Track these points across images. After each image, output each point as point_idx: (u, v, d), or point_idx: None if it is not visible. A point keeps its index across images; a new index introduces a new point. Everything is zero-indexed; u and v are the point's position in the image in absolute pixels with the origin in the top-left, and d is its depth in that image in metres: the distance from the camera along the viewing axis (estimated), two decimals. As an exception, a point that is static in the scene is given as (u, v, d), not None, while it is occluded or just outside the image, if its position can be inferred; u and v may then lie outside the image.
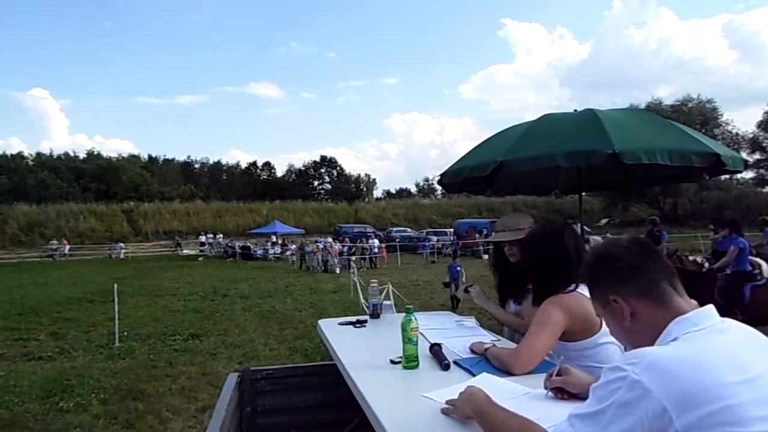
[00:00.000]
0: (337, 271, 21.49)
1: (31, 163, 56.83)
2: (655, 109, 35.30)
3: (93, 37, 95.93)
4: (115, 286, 9.23)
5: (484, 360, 1.83)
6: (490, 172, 3.51)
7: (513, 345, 2.01)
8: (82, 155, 60.20)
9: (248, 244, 32.77)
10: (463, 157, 4.14)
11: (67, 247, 34.99)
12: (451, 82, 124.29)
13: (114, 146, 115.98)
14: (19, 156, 59.40)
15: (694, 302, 1.09)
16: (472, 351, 1.95)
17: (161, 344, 8.08)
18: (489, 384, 1.50)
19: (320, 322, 2.75)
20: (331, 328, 2.56)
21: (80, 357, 7.42)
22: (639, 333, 1.09)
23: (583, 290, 1.82)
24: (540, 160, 3.30)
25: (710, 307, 1.06)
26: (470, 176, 3.72)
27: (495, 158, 3.45)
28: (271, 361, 6.83)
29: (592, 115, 3.54)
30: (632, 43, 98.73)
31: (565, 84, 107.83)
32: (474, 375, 1.68)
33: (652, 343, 1.03)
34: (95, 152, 61.65)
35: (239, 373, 2.51)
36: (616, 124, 3.38)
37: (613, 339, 1.78)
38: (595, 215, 43.77)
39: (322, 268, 22.20)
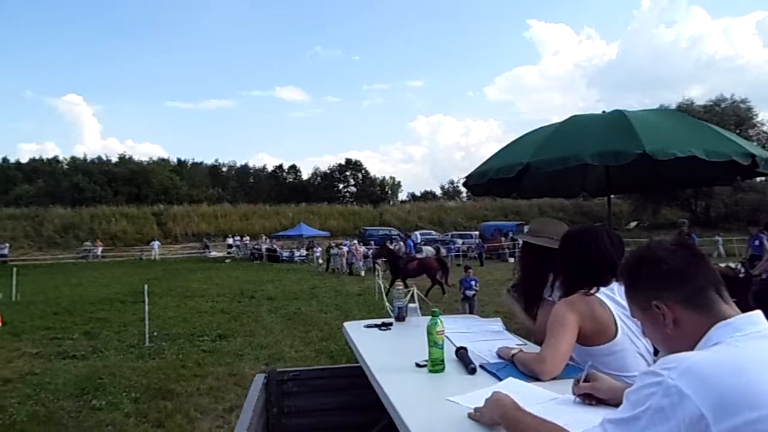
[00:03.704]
0: (362, 273, 21.53)
1: (66, 167, 58.74)
2: (686, 109, 34.43)
3: (124, 43, 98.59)
4: (146, 287, 9.44)
5: (510, 364, 1.80)
6: (516, 174, 3.47)
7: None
8: (114, 159, 62.01)
9: (274, 246, 33.13)
10: (488, 159, 4.10)
11: (100, 248, 35.95)
12: (476, 84, 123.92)
13: (144, 150, 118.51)
14: (55, 160, 61.58)
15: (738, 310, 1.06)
16: (499, 355, 1.93)
17: (190, 345, 8.21)
18: (516, 389, 1.49)
19: (346, 324, 2.75)
20: (356, 331, 2.56)
21: (112, 356, 7.60)
22: (680, 340, 1.05)
23: (604, 296, 1.79)
24: (567, 161, 3.25)
25: (757, 313, 1.01)
26: (496, 178, 3.68)
27: (521, 160, 3.41)
28: (296, 362, 6.87)
29: (621, 116, 3.47)
30: (662, 42, 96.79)
31: (593, 85, 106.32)
32: (500, 379, 1.66)
33: (692, 350, 1.00)
34: (127, 156, 63.48)
35: (266, 375, 2.54)
36: (646, 125, 3.31)
37: (633, 347, 1.76)
38: (623, 218, 42.90)
39: (347, 271, 22.27)
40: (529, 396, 1.44)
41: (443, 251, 22.38)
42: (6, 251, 33.24)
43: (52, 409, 5.30)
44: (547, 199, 35.54)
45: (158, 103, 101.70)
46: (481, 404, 1.34)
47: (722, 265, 7.98)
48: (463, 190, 63.13)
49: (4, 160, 62.20)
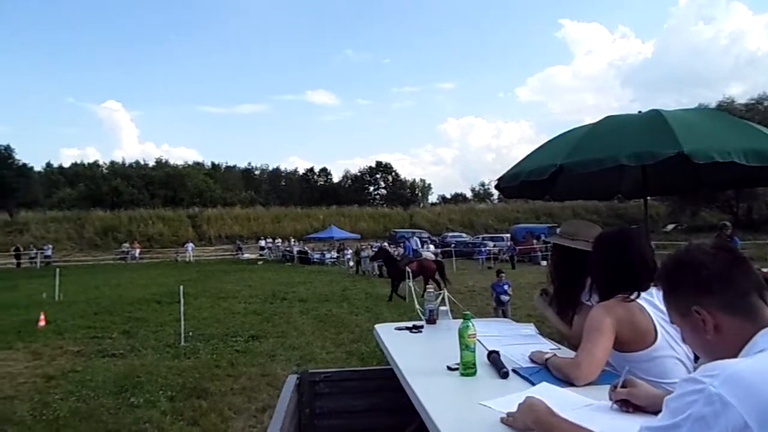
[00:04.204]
0: (393, 275, 21.50)
1: (105, 171, 60.66)
2: (727, 108, 33.25)
3: (160, 51, 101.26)
4: (181, 288, 9.67)
5: (544, 369, 1.78)
6: (549, 176, 3.42)
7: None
8: (151, 163, 63.77)
9: (305, 248, 33.44)
10: (521, 161, 4.06)
11: (138, 250, 36.96)
12: (507, 85, 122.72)
13: (180, 154, 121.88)
14: (95, 164, 63.70)
15: None
16: (532, 360, 1.90)
17: (223, 345, 8.36)
18: (550, 394, 1.46)
19: (377, 326, 2.76)
20: (387, 333, 2.56)
21: (149, 355, 7.79)
22: (721, 347, 1.01)
23: (644, 301, 1.74)
24: (602, 162, 3.18)
25: None
26: (528, 180, 3.64)
27: (554, 161, 3.36)
28: (327, 364, 6.92)
29: (658, 116, 3.38)
30: (700, 39, 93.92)
31: (627, 84, 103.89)
32: (533, 384, 1.64)
33: (735, 357, 0.96)
34: (163, 160, 65.19)
35: (298, 376, 2.56)
36: (685, 124, 3.22)
37: (673, 353, 1.70)
38: (660, 220, 41.72)
39: (378, 273, 22.29)
40: (564, 401, 1.42)
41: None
42: (50, 252, 34.52)
43: (92, 406, 5.47)
44: (581, 201, 34.91)
45: (193, 109, 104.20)
46: (514, 409, 1.32)
47: (765, 269, 7.67)
48: (494, 192, 62.25)
49: (48, 164, 64.78)
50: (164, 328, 9.88)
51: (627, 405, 1.36)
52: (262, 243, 38.40)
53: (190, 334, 8.92)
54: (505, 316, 8.77)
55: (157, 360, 7.46)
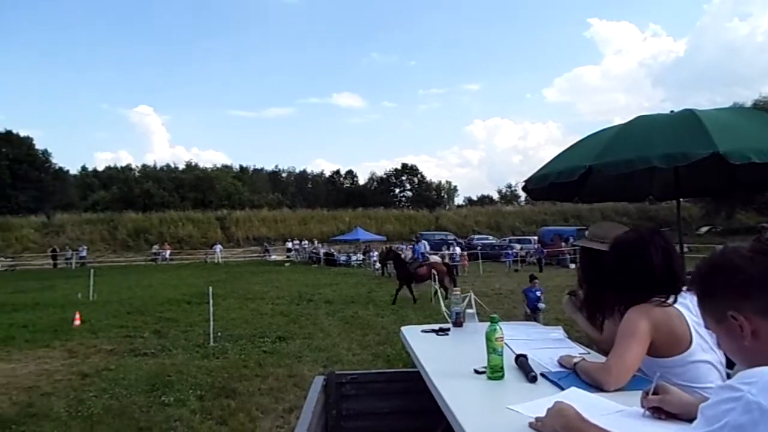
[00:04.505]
0: (418, 278, 21.46)
1: (137, 174, 62.14)
2: (764, 107, 32.20)
3: (190, 56, 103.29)
4: (210, 289, 9.83)
5: (573, 374, 1.75)
6: (578, 178, 3.37)
7: (605, 359, 1.91)
8: (181, 166, 65.11)
9: (332, 250, 33.63)
10: (549, 163, 4.01)
11: (168, 251, 37.74)
12: (535, 85, 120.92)
13: (209, 157, 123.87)
14: (128, 168, 65.32)
15: None
16: (560, 364, 1.88)
17: (251, 345, 8.47)
18: (579, 399, 1.44)
19: (403, 328, 2.76)
20: (413, 336, 2.56)
21: (179, 355, 7.94)
22: (759, 353, 0.98)
23: (680, 305, 1.70)
24: (633, 163, 3.12)
25: None
26: (557, 182, 3.59)
27: (583, 163, 3.31)
28: (353, 365, 6.94)
29: (691, 115, 3.30)
30: (735, 36, 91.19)
31: (659, 84, 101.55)
32: (562, 389, 1.62)
33: None
34: (192, 163, 66.59)
35: (325, 377, 2.58)
36: (719, 124, 3.13)
37: (707, 357, 1.65)
38: (694, 222, 40.67)
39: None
40: (594, 407, 1.39)
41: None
42: (84, 253, 35.55)
43: (125, 404, 5.61)
44: (610, 203, 34.24)
45: (222, 113, 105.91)
46: (542, 414, 1.30)
47: None
48: (521, 194, 61.69)
49: (83, 168, 66.76)
50: (194, 328, 10.06)
51: (659, 412, 1.33)
52: (289, 245, 38.77)
53: (219, 334, 9.06)
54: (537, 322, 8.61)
55: (187, 359, 7.60)
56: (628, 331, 1.67)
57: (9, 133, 50.30)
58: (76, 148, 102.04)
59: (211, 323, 8.99)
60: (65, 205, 48.56)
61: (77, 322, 10.87)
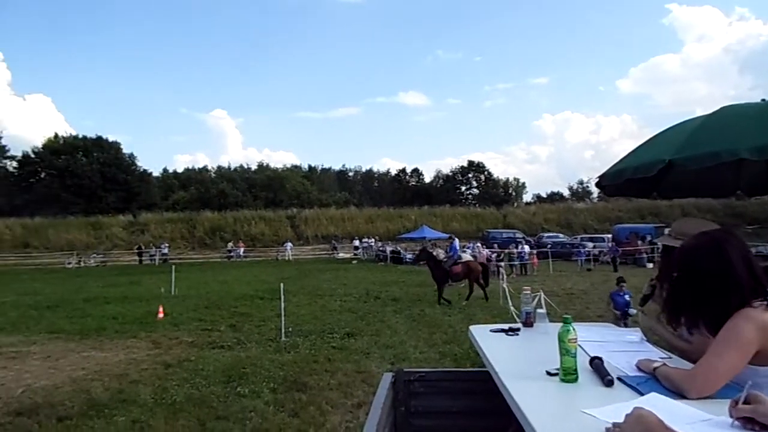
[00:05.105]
0: (486, 276, 21.15)
1: (213, 175, 65.27)
2: None
3: (261, 61, 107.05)
4: (282, 285, 10.17)
5: (653, 379, 1.67)
6: (657, 173, 3.19)
7: (688, 365, 1.80)
8: (253, 167, 67.84)
9: (398, 248, 33.78)
10: (625, 157, 3.82)
11: (243, 249, 39.34)
12: (608, 77, 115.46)
13: (279, 158, 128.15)
14: (205, 169, 68.81)
15: None
16: (639, 368, 1.79)
17: (321, 341, 8.68)
18: (660, 406, 1.37)
19: (471, 328, 2.73)
20: (482, 335, 2.53)
21: (253, 348, 8.28)
22: None
23: None
24: (718, 156, 2.91)
25: None
26: (633, 177, 3.41)
27: (662, 157, 3.13)
28: (421, 363, 6.96)
29: (787, 104, 3.04)
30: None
31: (747, 70, 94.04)
32: (642, 394, 1.54)
33: None
34: (264, 164, 69.14)
35: (393, 374, 2.60)
36: (821, 113, 2.87)
37: None
38: (788, 219, 37.40)
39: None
40: (677, 415, 1.32)
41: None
42: (166, 250, 37.77)
43: (204, 393, 5.91)
44: (692, 199, 32.19)
45: (291, 114, 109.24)
46: (620, 419, 1.25)
47: None
48: (594, 190, 59.29)
49: (164, 170, 70.81)
50: (266, 323, 10.44)
51: (751, 423, 1.24)
52: (356, 243, 39.33)
53: (290, 329, 9.35)
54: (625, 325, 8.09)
55: (260, 353, 7.90)
56: (728, 338, 1.53)
57: (99, 138, 54.41)
58: (158, 151, 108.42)
59: (283, 318, 9.30)
60: (149, 205, 51.74)
61: (160, 315, 11.59)
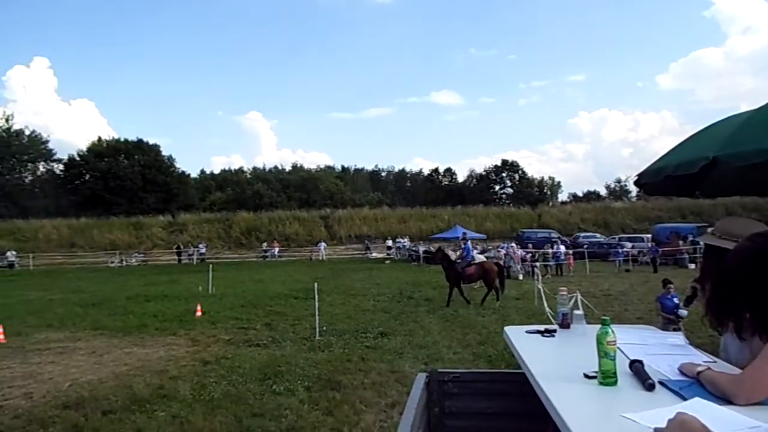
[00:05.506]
0: (520, 277, 20.91)
1: (248, 176, 66.45)
2: None
3: (295, 63, 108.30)
4: (316, 285, 10.27)
5: (696, 383, 1.61)
6: (699, 170, 3.09)
7: (734, 369, 1.74)
8: (287, 168, 68.76)
9: (431, 248, 33.65)
10: (666, 154, 3.71)
11: (277, 249, 39.91)
12: (646, 73, 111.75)
13: (313, 159, 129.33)
14: (240, 170, 70.20)
15: None
16: (682, 372, 1.73)
17: (354, 340, 8.73)
18: (705, 411, 1.32)
19: (506, 329, 2.70)
20: (518, 336, 2.49)
21: (288, 347, 8.39)
22: None
23: None
24: (766, 153, 2.80)
25: None
26: (674, 175, 3.31)
27: (706, 154, 3.02)
28: (454, 364, 6.92)
29: (841, 97, 2.89)
30: None
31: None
32: (685, 399, 1.49)
33: None
34: (298, 165, 70.04)
35: (427, 374, 2.59)
36: None
37: None
38: (843, 218, 35.57)
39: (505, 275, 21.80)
40: (722, 421, 1.27)
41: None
42: (204, 250, 38.66)
43: (241, 390, 6.03)
44: (737, 197, 30.96)
45: (324, 115, 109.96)
46: (661, 425, 1.22)
47: None
48: (632, 189, 57.83)
49: (202, 171, 72.57)
50: (301, 322, 10.57)
51: (802, 431, 1.19)
52: (389, 243, 39.38)
53: (324, 328, 9.44)
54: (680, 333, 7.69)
55: (295, 351, 8.00)
56: None
57: (140, 141, 56.08)
58: (195, 153, 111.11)
59: (317, 318, 9.39)
60: (187, 206, 53.02)
61: (198, 313, 11.87)
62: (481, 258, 14.99)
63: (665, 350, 2.09)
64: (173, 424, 5.06)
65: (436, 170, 70.99)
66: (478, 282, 13.98)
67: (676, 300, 7.42)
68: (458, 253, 14.39)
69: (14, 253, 35.67)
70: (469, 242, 15.19)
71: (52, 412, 5.50)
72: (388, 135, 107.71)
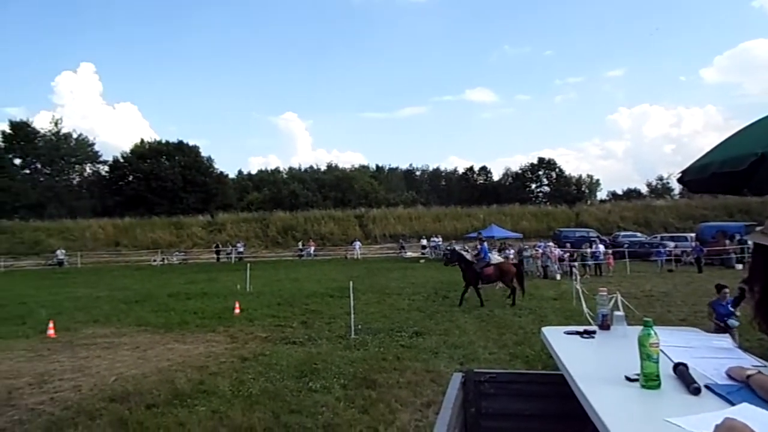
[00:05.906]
0: (557, 277, 20.53)
1: (284, 176, 67.41)
2: None
3: (329, 63, 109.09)
4: (351, 284, 10.34)
5: (745, 387, 1.55)
6: (748, 167, 2.97)
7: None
8: (322, 168, 69.44)
9: (466, 247, 33.37)
10: (711, 150, 3.58)
11: (313, 248, 40.35)
12: (690, 66, 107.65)
13: (347, 158, 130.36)
14: (276, 171, 71.31)
15: None
16: (730, 376, 1.67)
17: (389, 339, 8.75)
18: (754, 417, 1.28)
19: (544, 329, 2.66)
20: (556, 337, 2.46)
21: (324, 345, 8.48)
22: None
23: None
24: (821, 149, 2.67)
25: None
26: (720, 172, 3.19)
27: (755, 150, 2.90)
28: (490, 364, 6.86)
29: None
30: None
31: None
32: (732, 404, 1.44)
33: None
34: (333, 165, 70.57)
35: (463, 374, 2.57)
36: None
37: None
38: None
39: (541, 274, 21.44)
40: (773, 427, 1.22)
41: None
42: (242, 249, 39.43)
43: (278, 387, 6.13)
44: (790, 194, 29.51)
45: (358, 115, 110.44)
46: (708, 430, 1.18)
47: None
48: (675, 187, 56.01)
49: (239, 172, 74.01)
50: (336, 321, 10.66)
51: None
52: (424, 242, 39.27)
53: (359, 327, 9.49)
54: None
55: (330, 349, 8.08)
56: None
57: (181, 143, 57.67)
58: (233, 154, 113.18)
59: (352, 316, 9.46)
60: (225, 206, 54.14)
61: (237, 311, 12.13)
62: (498, 259, 14.82)
63: (711, 353, 2.02)
64: (213, 419, 5.18)
65: (471, 169, 70.41)
66: (498, 283, 13.86)
67: (729, 306, 6.99)
68: (474, 253, 14.23)
69: (64, 251, 37.21)
70: (485, 243, 15.04)
71: (99, 404, 5.72)
72: (423, 134, 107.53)
